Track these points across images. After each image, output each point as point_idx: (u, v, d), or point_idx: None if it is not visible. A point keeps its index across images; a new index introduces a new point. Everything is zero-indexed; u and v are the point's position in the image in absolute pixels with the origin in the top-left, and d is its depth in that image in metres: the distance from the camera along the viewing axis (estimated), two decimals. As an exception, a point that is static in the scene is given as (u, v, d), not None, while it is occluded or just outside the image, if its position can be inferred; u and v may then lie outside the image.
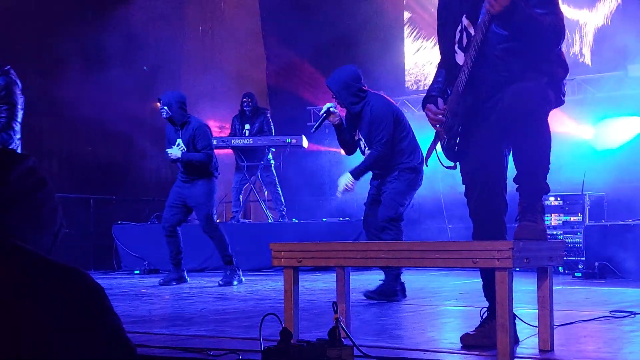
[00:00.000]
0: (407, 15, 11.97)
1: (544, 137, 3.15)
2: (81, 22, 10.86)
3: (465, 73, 3.30)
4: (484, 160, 3.36)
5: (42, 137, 10.94)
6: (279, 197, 9.95)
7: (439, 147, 3.54)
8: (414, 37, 11.80)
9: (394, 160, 5.48)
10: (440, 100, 3.49)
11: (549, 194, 3.31)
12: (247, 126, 10.02)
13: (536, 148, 3.15)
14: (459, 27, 3.37)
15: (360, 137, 5.58)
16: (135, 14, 11.23)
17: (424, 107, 3.55)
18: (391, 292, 5.31)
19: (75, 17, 10.83)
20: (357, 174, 5.51)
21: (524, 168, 3.18)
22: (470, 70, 3.28)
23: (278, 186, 9.96)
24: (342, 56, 9.86)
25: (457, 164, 3.50)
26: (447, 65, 3.50)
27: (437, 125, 3.47)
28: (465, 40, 3.36)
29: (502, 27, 3.19)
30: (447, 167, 3.52)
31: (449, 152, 3.47)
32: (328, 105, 5.48)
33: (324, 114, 5.48)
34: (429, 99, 3.53)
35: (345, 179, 5.49)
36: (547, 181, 3.23)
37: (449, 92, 3.47)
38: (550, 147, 3.17)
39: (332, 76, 5.54)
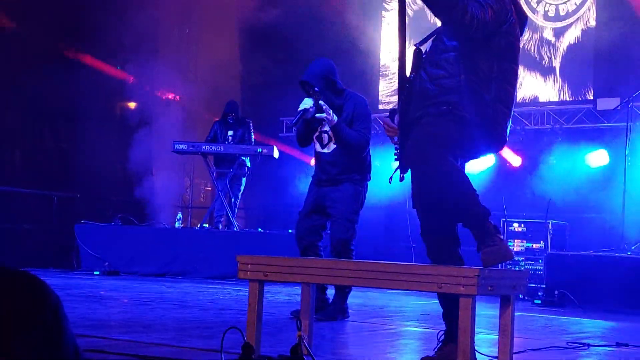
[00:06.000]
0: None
1: (444, 178, 3.19)
2: (53, 16, 10.75)
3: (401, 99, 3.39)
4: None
5: (3, 131, 10.78)
6: (235, 206, 9.98)
7: None
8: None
9: (349, 169, 5.25)
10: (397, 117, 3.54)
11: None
12: (230, 132, 9.99)
13: (441, 190, 3.20)
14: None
15: (328, 129, 5.27)
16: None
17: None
18: (338, 311, 5.22)
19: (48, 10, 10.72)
20: (338, 124, 5.16)
21: (446, 208, 3.24)
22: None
23: (239, 197, 10.01)
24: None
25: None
26: None
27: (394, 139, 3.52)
28: None
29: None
30: (400, 180, 3.55)
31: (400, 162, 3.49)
32: (309, 101, 5.13)
33: (303, 111, 5.10)
34: (391, 112, 3.61)
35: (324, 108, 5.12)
36: (482, 205, 3.24)
37: None
38: (455, 182, 3.21)
39: (311, 71, 5.22)
